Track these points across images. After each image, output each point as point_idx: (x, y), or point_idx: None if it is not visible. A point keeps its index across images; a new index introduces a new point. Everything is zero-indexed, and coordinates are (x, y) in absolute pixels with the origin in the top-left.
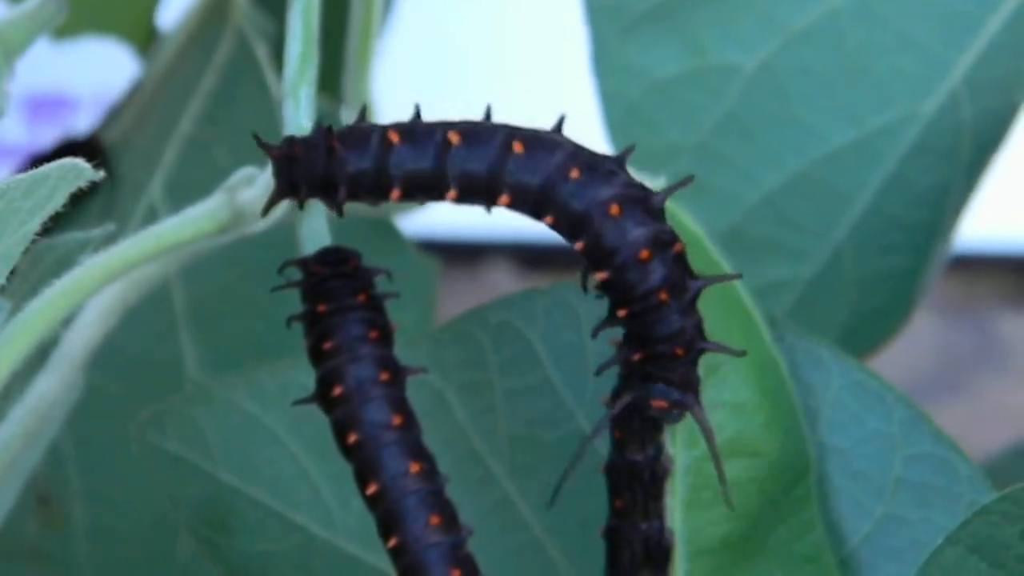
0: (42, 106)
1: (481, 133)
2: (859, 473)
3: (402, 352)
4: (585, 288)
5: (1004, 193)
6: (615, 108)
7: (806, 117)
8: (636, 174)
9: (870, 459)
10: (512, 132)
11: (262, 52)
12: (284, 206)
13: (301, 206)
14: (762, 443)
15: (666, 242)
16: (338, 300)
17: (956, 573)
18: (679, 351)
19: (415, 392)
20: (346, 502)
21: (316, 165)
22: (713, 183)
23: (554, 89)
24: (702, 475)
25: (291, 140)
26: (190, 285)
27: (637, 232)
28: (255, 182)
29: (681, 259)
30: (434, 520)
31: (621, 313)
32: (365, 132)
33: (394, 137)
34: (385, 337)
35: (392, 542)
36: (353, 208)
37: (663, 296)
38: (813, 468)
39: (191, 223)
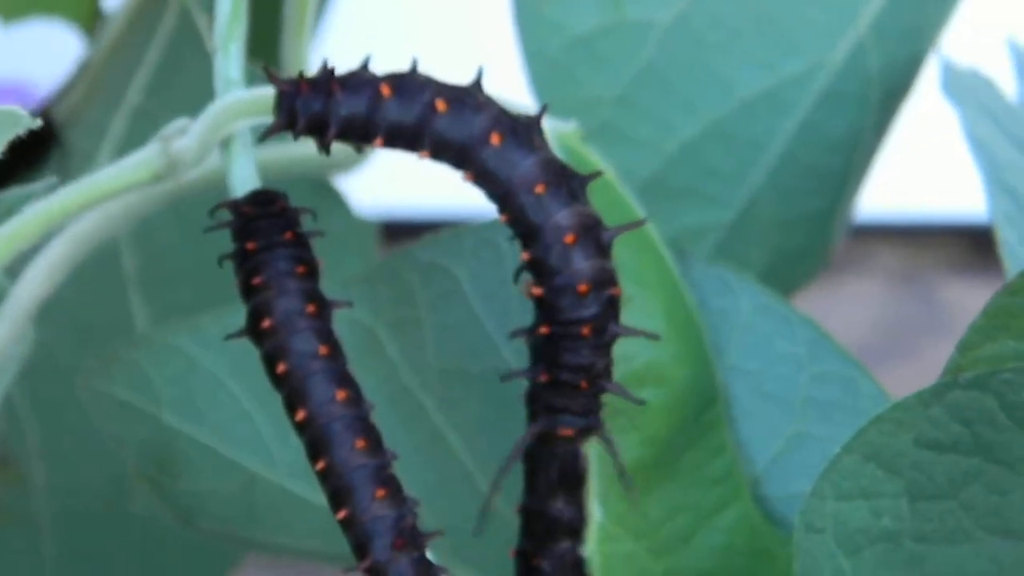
0: (5, 94)
1: (465, 102)
2: (769, 394)
3: (335, 293)
4: (516, 280)
5: (948, 164)
6: (538, 64)
7: (720, 67)
8: (555, 123)
9: (779, 380)
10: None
11: (204, 24)
12: (216, 156)
13: (296, 138)
14: (671, 372)
15: (607, 281)
16: (266, 238)
17: (853, 481)
18: (583, 384)
19: (348, 331)
20: (286, 442)
21: (314, 103)
22: (634, 133)
23: (483, 48)
24: (613, 403)
25: (300, 77)
26: (139, 246)
27: (585, 264)
28: (188, 132)
29: (614, 303)
30: (360, 443)
31: (543, 330)
32: (363, 79)
33: (385, 90)
34: (311, 272)
35: (320, 465)
36: (292, 166)
37: (585, 331)
38: (722, 394)
39: (127, 171)
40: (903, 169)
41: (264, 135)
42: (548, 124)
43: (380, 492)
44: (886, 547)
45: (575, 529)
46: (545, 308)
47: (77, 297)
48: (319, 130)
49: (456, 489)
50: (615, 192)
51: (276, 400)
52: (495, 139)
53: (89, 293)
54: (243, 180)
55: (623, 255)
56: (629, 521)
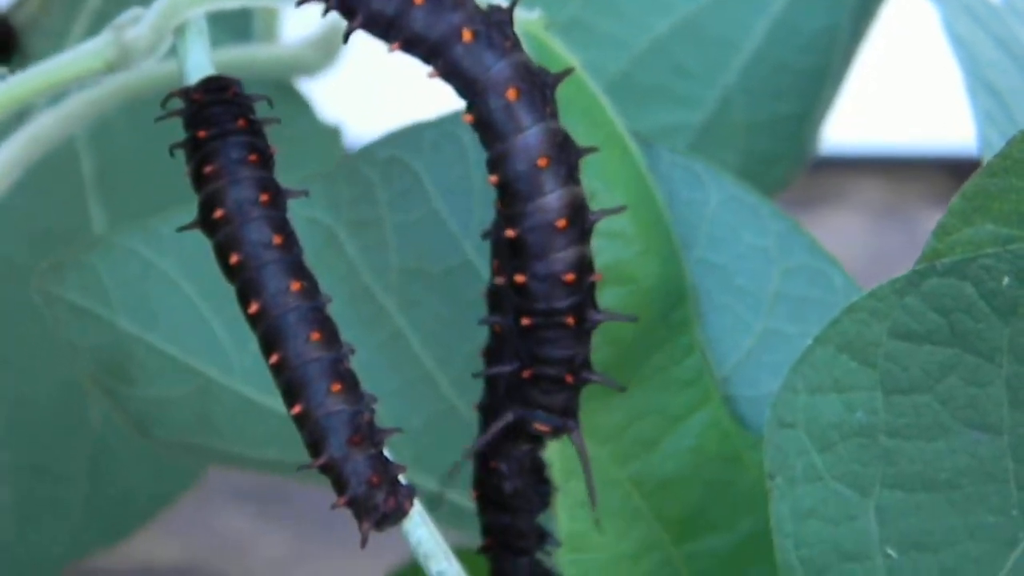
0: None
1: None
2: (739, 288)
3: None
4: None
5: (930, 96)
6: None
7: None
8: (519, 12)
9: (749, 274)
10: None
11: None
12: (169, 43)
13: (324, 14)
14: (638, 270)
15: (589, 266)
16: (218, 125)
17: (825, 373)
18: (569, 378)
19: (307, 231)
20: (243, 345)
21: None
22: (603, 29)
23: None
24: None
25: None
26: (97, 151)
27: (567, 253)
28: (141, 20)
29: (593, 288)
30: (315, 336)
31: (525, 321)
32: None
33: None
34: (265, 160)
35: (273, 359)
36: (254, 67)
37: (570, 320)
38: (690, 294)
39: (78, 60)
40: (885, 102)
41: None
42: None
43: (336, 386)
44: (860, 442)
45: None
46: (526, 296)
47: (35, 202)
48: (349, 11)
49: (416, 392)
50: (582, 86)
51: (233, 303)
52: (467, 36)
53: (47, 198)
54: (197, 68)
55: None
56: (592, 425)
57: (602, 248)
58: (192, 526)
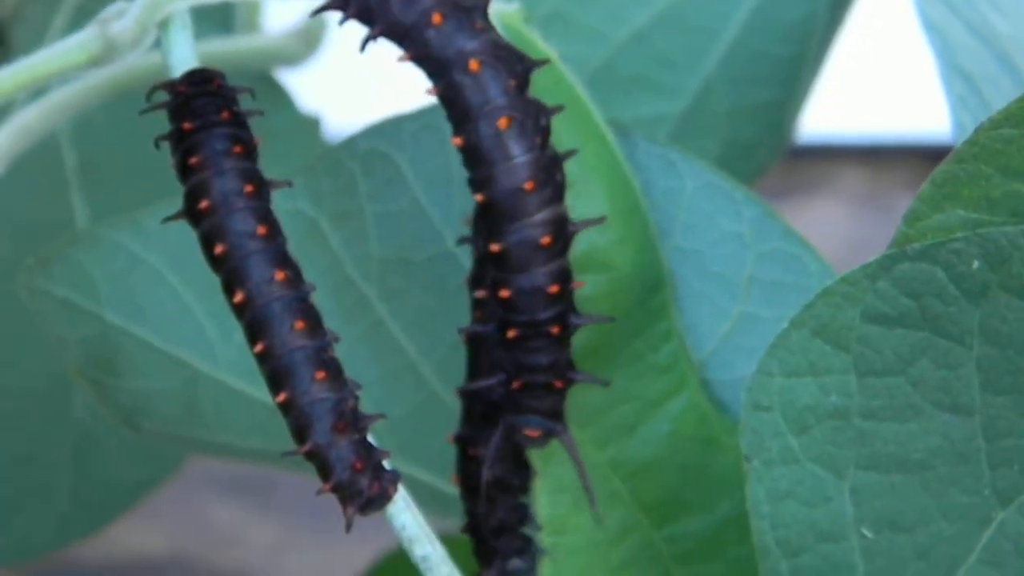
0: None
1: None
2: (715, 274)
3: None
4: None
5: (909, 85)
6: None
7: None
8: (497, 4)
9: (724, 259)
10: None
11: None
12: (152, 37)
13: (342, 22)
14: (614, 257)
15: (570, 275)
16: (203, 117)
17: (800, 356)
18: (558, 384)
19: (290, 222)
20: (228, 336)
21: None
22: (584, 20)
23: None
24: None
25: None
26: (80, 145)
27: (550, 267)
28: (126, 14)
29: (573, 294)
30: (299, 324)
31: (511, 334)
32: None
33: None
34: (249, 152)
35: (258, 347)
36: (234, 59)
37: (555, 329)
38: (667, 281)
39: (63, 53)
40: (864, 90)
41: (315, 12)
42: (491, 7)
43: (320, 374)
44: (834, 424)
45: None
46: (511, 310)
47: (18, 196)
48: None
49: (399, 380)
50: (560, 78)
51: (218, 295)
52: (474, 65)
53: (31, 192)
54: (181, 61)
55: (567, 142)
56: (571, 408)
57: (580, 236)
58: (180, 518)
